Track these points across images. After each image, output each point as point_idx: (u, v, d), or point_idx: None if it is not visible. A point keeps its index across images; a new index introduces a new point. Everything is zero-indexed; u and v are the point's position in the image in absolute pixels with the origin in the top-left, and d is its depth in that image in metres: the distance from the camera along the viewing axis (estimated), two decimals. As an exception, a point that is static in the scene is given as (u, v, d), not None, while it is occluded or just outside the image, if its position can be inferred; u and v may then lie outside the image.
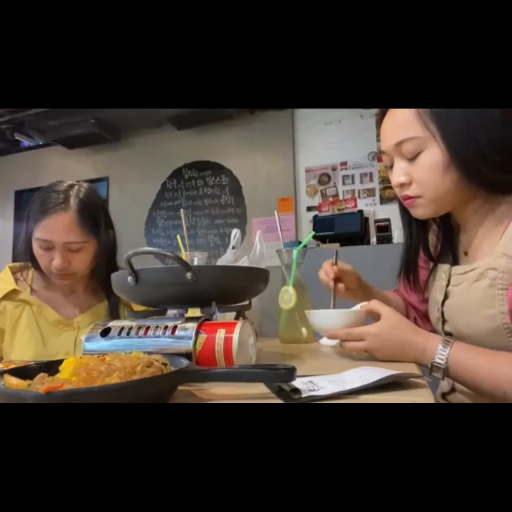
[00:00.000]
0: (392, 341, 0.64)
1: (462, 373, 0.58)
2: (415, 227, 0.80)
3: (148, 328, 0.60)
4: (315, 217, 2.95)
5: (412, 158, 0.66)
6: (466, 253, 0.74)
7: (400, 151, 0.67)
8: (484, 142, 0.61)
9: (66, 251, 0.93)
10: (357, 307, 0.76)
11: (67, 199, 0.92)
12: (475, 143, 0.61)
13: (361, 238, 2.65)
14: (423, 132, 0.64)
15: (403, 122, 0.66)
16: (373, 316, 0.70)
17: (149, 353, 0.50)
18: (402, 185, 0.69)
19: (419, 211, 0.70)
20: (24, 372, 0.45)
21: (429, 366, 0.60)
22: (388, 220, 2.49)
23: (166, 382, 0.44)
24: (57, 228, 0.91)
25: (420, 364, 0.62)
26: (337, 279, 0.86)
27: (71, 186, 0.96)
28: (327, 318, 0.75)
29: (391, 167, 0.71)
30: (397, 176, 0.69)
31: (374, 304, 0.69)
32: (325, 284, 0.87)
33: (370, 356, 0.68)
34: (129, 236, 3.09)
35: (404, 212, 0.79)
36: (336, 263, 0.87)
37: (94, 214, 0.96)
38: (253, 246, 1.21)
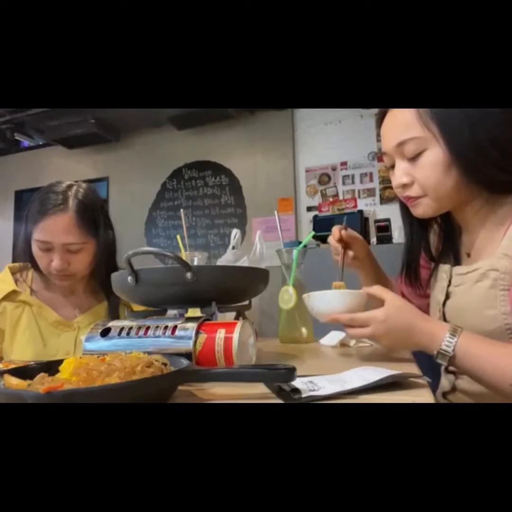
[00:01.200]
0: (398, 327, 0.61)
1: (468, 363, 0.57)
2: (416, 227, 0.80)
3: (148, 328, 0.60)
4: (315, 217, 2.95)
5: (413, 159, 0.66)
6: (468, 255, 0.74)
7: (401, 152, 0.67)
8: (485, 142, 0.61)
9: (65, 252, 0.92)
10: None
11: (66, 200, 0.92)
12: (476, 143, 0.61)
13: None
14: (423, 132, 0.64)
15: (404, 123, 0.66)
16: (375, 301, 0.66)
17: (149, 353, 0.50)
18: (404, 186, 0.69)
19: (420, 210, 0.70)
20: (24, 372, 0.45)
21: (435, 353, 0.59)
22: (388, 220, 2.49)
23: (166, 382, 0.44)
24: (56, 230, 0.90)
25: (426, 350, 0.61)
26: (346, 246, 0.84)
27: (70, 187, 0.95)
28: (328, 300, 0.70)
29: (392, 167, 0.71)
30: (399, 177, 0.69)
31: (377, 289, 0.66)
32: (333, 248, 0.85)
33: (370, 356, 0.68)
34: (129, 236, 3.10)
35: (405, 211, 0.79)
36: (345, 229, 0.85)
37: (93, 215, 0.95)
38: (253, 246, 1.22)
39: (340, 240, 0.84)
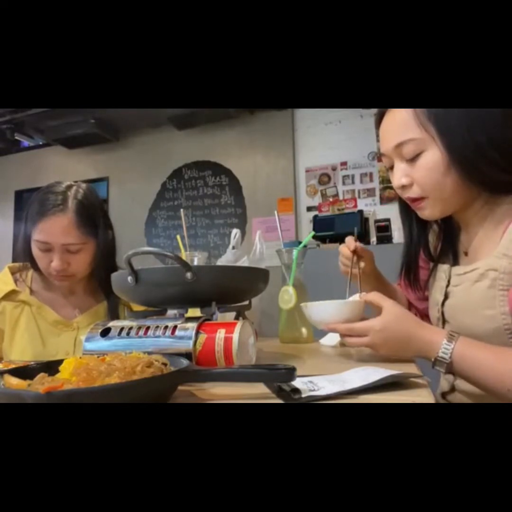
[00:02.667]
0: (396, 336, 0.62)
1: (466, 369, 0.58)
2: (416, 227, 0.80)
3: (148, 328, 0.60)
4: (315, 217, 2.95)
5: (412, 160, 0.66)
6: (466, 254, 0.74)
7: (399, 153, 0.67)
8: (483, 142, 0.61)
9: (65, 253, 0.92)
10: (356, 297, 0.72)
11: (65, 201, 0.92)
12: (474, 143, 0.61)
13: (361, 238, 2.65)
14: (421, 133, 0.64)
15: (402, 124, 0.66)
16: (374, 308, 0.67)
17: (149, 353, 0.50)
18: (403, 187, 0.69)
19: (427, 213, 0.69)
20: (24, 372, 0.45)
21: (433, 360, 0.59)
22: (388, 220, 2.49)
23: (166, 382, 0.44)
24: (55, 230, 0.90)
25: (424, 358, 0.61)
26: (358, 258, 0.82)
27: (69, 187, 0.95)
28: (325, 310, 0.70)
29: (391, 168, 0.71)
30: (398, 178, 0.69)
31: (375, 297, 0.66)
32: (344, 258, 0.84)
33: (370, 357, 0.68)
34: (129, 236, 3.10)
35: (405, 211, 0.79)
36: (358, 240, 0.83)
37: (92, 215, 0.95)
38: (253, 246, 1.21)
39: (354, 251, 0.83)
